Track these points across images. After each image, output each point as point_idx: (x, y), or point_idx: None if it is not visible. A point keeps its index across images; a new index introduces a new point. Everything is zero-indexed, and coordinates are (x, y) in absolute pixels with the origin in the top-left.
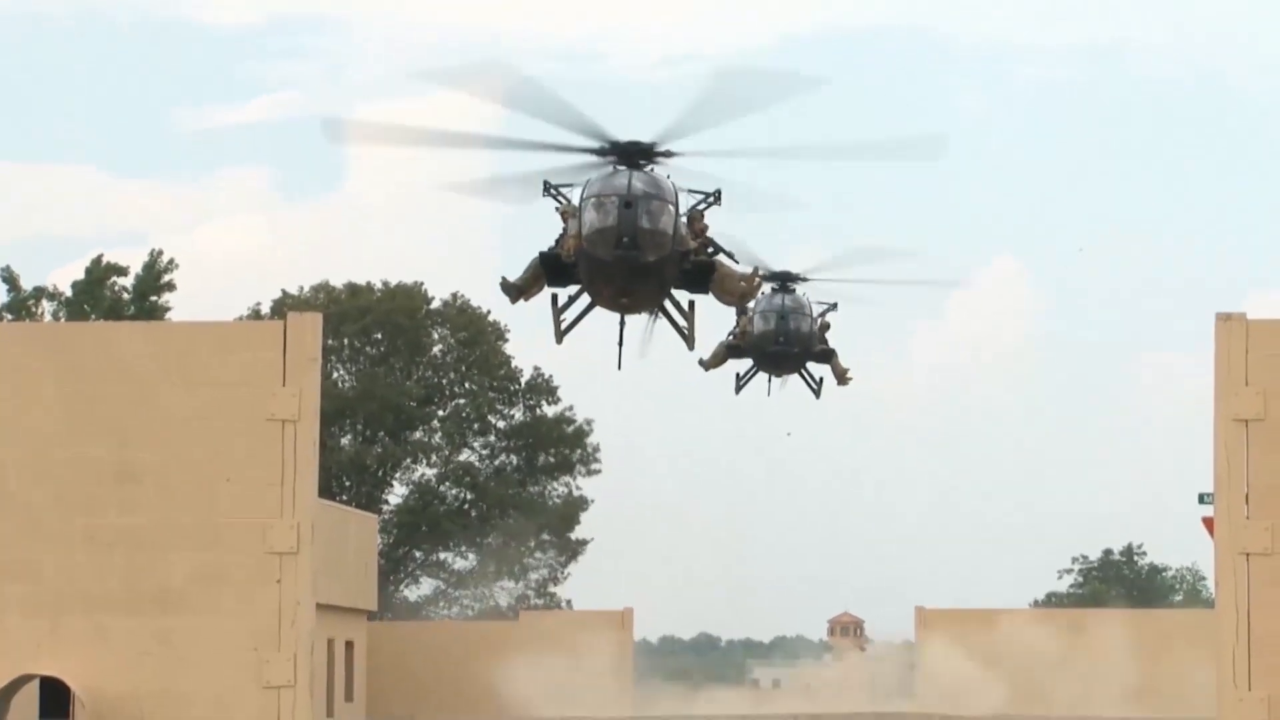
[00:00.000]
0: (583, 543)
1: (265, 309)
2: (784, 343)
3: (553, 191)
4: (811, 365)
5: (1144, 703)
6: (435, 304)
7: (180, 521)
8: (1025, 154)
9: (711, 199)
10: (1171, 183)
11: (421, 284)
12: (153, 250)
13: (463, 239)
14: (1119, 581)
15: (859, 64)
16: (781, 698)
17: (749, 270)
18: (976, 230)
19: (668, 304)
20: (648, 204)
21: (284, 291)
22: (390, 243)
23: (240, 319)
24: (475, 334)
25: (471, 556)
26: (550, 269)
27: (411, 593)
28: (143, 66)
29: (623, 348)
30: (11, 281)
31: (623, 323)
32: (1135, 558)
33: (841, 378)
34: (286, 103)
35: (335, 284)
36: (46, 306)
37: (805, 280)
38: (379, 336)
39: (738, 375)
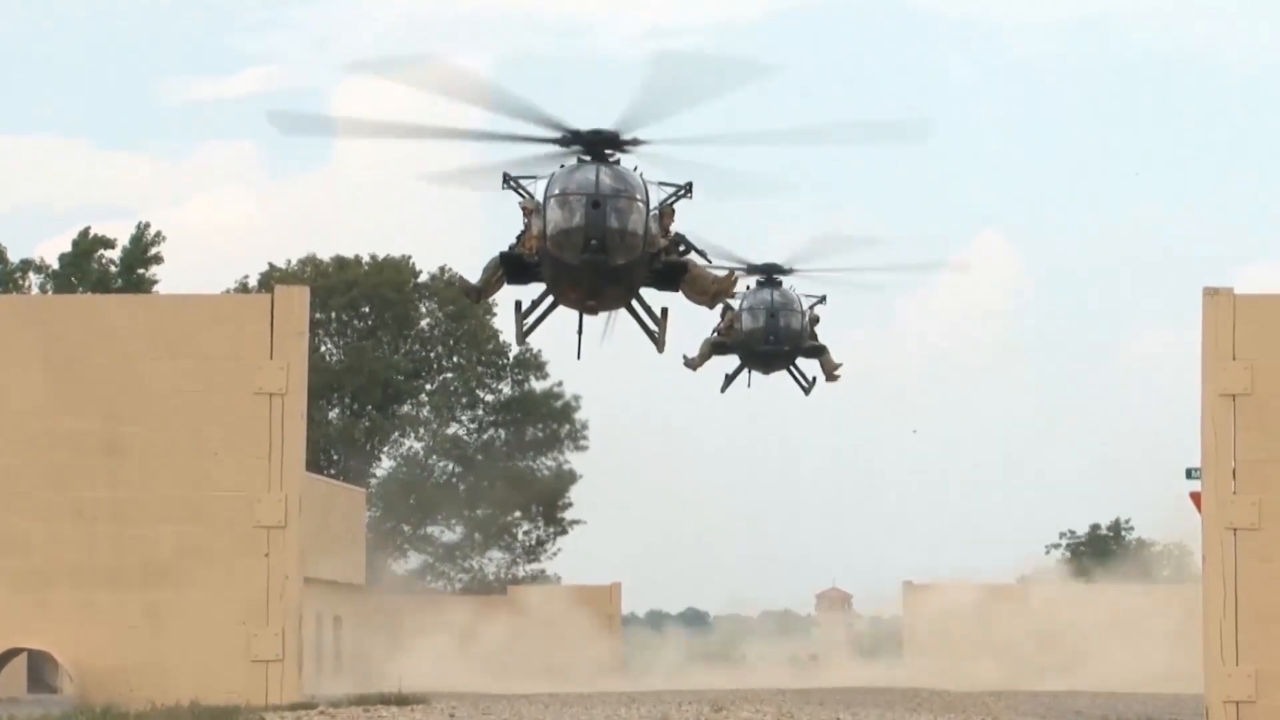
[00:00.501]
0: (571, 521)
1: (253, 282)
2: (774, 340)
3: (513, 184)
4: (801, 361)
5: (1135, 677)
6: (423, 277)
7: (167, 495)
8: (1011, 129)
9: (682, 191)
10: (1160, 157)
11: (409, 257)
12: (140, 223)
13: (451, 213)
14: (1106, 556)
15: (847, 37)
16: (769, 670)
17: (724, 272)
18: (963, 207)
19: (636, 304)
20: (617, 202)
21: (271, 265)
22: (378, 216)
23: (228, 292)
24: (463, 308)
25: (460, 530)
26: (511, 269)
27: (400, 566)
28: (130, 37)
29: (582, 336)
30: None
31: (582, 316)
32: (1123, 533)
33: (831, 374)
34: (275, 75)
35: (323, 257)
36: (33, 279)
37: (792, 272)
38: (367, 310)
39: (726, 375)
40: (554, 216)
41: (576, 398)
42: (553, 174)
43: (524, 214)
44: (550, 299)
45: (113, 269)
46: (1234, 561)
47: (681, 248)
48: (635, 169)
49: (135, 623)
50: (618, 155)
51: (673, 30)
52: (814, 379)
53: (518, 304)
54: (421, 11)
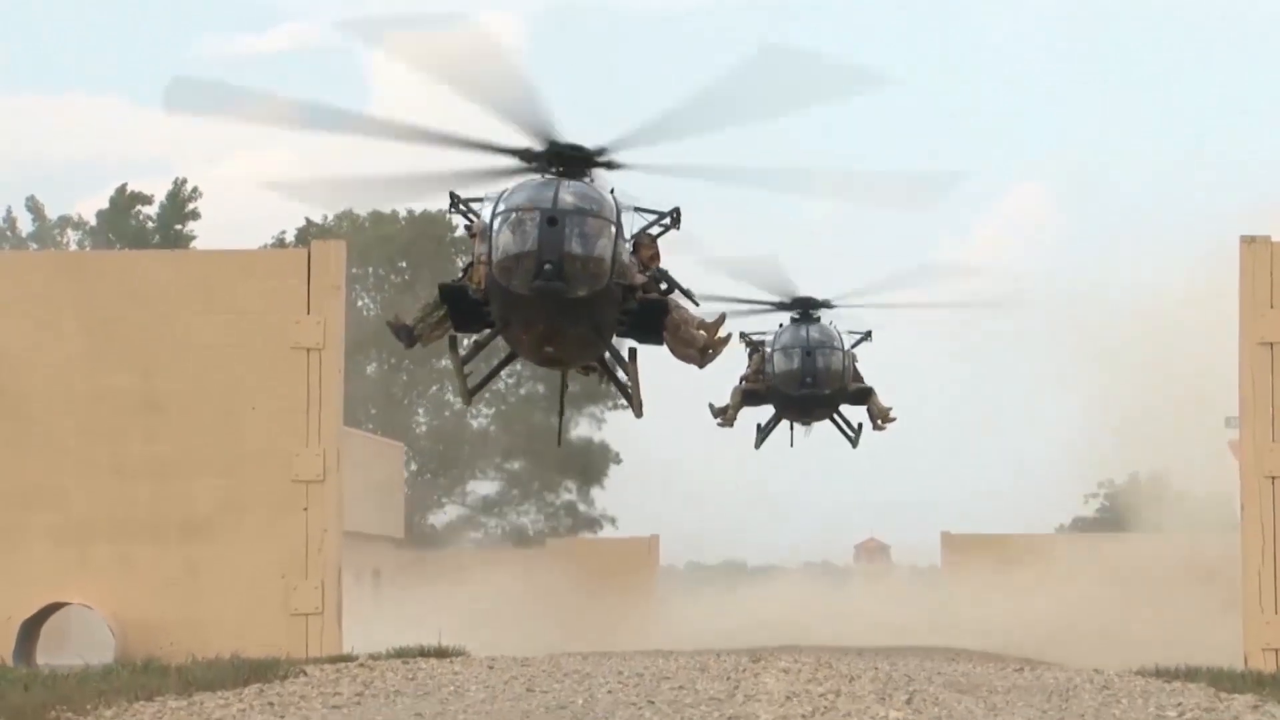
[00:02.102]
0: (609, 470)
1: (289, 237)
2: (811, 383)
3: (461, 206)
4: (845, 408)
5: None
6: (459, 232)
7: (206, 450)
8: (1044, 71)
9: (668, 220)
10: (1195, 103)
11: (445, 211)
12: (176, 179)
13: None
14: (1144, 507)
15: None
16: (807, 623)
17: (713, 318)
18: (997, 150)
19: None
20: (579, 222)
21: (308, 220)
22: (413, 170)
23: (264, 247)
24: None
25: (498, 484)
26: (454, 306)
27: (438, 520)
28: None
29: (564, 418)
30: (36, 211)
31: (563, 387)
32: (1162, 483)
33: (880, 421)
34: (310, 31)
35: (359, 212)
36: (71, 236)
37: (832, 307)
38: (403, 264)
39: (759, 426)
40: (503, 238)
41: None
42: (503, 190)
43: (471, 240)
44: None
45: (150, 225)
46: (1272, 509)
47: (664, 285)
48: (611, 191)
49: (175, 577)
50: (590, 175)
51: None
52: (860, 426)
53: (452, 339)
54: None
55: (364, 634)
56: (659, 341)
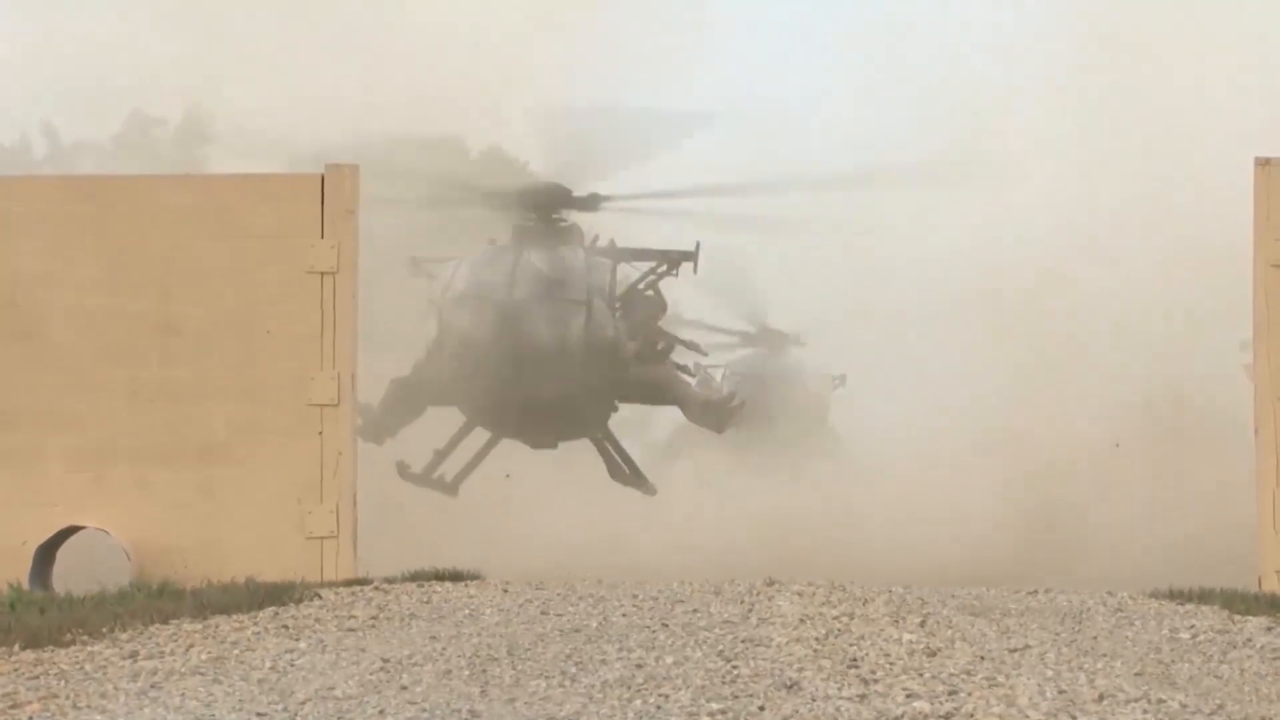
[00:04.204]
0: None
1: (305, 161)
2: None
3: (424, 271)
4: None
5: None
6: (474, 156)
7: (221, 374)
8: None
9: (664, 269)
10: (1205, 22)
11: (461, 138)
12: (191, 103)
13: (500, 91)
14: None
15: None
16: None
17: (725, 391)
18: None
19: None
20: (550, 309)
21: (324, 146)
22: (429, 95)
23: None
24: None
25: None
26: (415, 397)
27: None
28: None
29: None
30: (51, 135)
31: None
32: (1178, 406)
33: None
34: None
35: (374, 136)
36: (86, 159)
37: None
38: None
39: None
40: (463, 322)
41: None
42: (461, 260)
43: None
44: (483, 434)
45: (164, 149)
46: None
47: (659, 346)
48: (594, 240)
49: (190, 501)
50: (569, 219)
51: None
52: None
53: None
54: None
55: (379, 557)
56: (663, 402)
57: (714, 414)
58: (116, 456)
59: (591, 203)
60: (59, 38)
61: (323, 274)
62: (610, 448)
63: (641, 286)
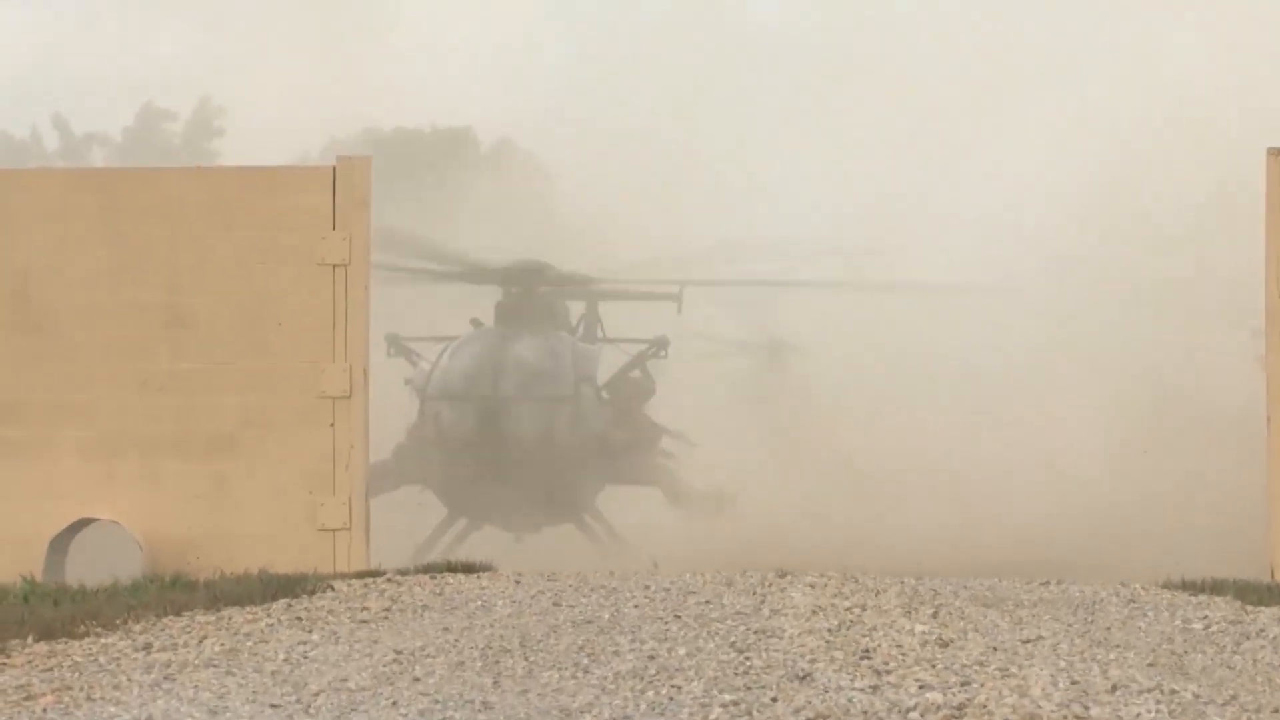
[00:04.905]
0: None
1: (315, 155)
2: None
3: (404, 350)
4: None
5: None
6: (485, 149)
7: (232, 366)
8: None
9: (652, 350)
10: (1220, 10)
11: (470, 128)
12: (202, 96)
13: (513, 82)
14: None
15: None
16: None
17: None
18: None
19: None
20: (537, 402)
21: (334, 138)
22: (439, 86)
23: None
24: None
25: None
26: (392, 477)
27: None
28: None
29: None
30: (63, 128)
31: None
32: (1187, 397)
33: None
34: None
35: (384, 128)
36: (97, 153)
37: None
38: (429, 181)
39: None
40: (445, 416)
41: None
42: (448, 345)
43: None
44: (461, 521)
45: (175, 143)
46: None
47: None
48: (579, 324)
49: (202, 493)
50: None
51: None
52: None
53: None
54: None
55: (391, 550)
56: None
57: (698, 504)
58: (128, 448)
59: (576, 280)
60: (71, 32)
61: (334, 266)
62: (596, 526)
63: (632, 372)
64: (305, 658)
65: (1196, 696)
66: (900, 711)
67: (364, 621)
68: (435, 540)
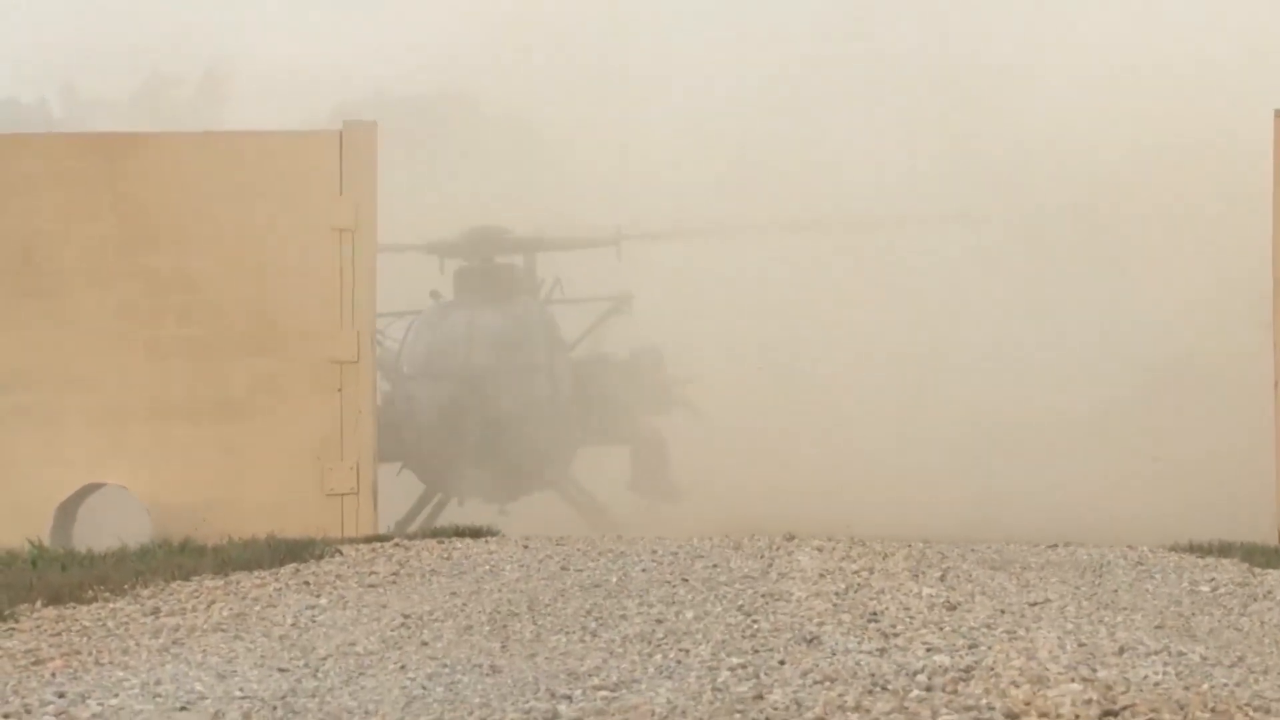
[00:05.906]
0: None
1: (323, 117)
2: None
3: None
4: None
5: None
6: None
7: (239, 331)
8: None
9: (613, 307)
10: None
11: (476, 99)
12: (209, 62)
13: (516, 48)
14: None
15: None
16: None
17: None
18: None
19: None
20: (511, 374)
21: (344, 100)
22: (445, 53)
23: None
24: None
25: None
26: None
27: None
28: None
29: None
30: (69, 93)
31: None
32: (1198, 364)
33: None
34: None
35: (395, 92)
36: (104, 118)
37: None
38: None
39: None
40: (416, 390)
41: None
42: (416, 317)
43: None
44: (437, 497)
45: (183, 108)
46: None
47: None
48: (554, 284)
49: (210, 458)
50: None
51: None
52: None
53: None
54: None
55: (399, 514)
56: None
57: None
58: (135, 414)
59: (532, 244)
60: None
61: (341, 231)
62: (574, 492)
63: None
64: (313, 622)
65: (1204, 658)
66: (908, 674)
67: (372, 586)
68: (413, 516)
